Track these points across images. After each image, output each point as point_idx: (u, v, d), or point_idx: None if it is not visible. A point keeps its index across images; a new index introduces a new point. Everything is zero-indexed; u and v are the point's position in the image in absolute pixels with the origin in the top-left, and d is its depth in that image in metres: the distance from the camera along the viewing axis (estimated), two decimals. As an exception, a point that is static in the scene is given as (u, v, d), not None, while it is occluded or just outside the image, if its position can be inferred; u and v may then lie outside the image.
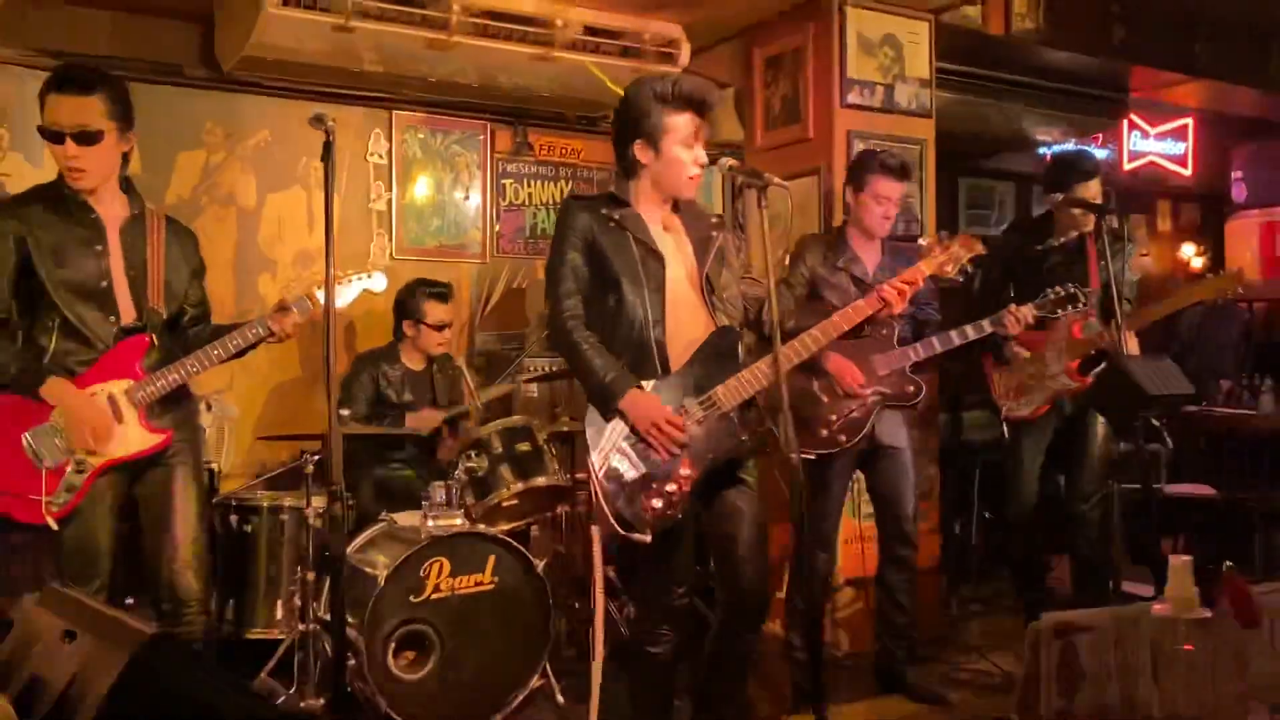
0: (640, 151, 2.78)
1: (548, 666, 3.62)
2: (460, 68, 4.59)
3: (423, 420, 4.34)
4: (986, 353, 4.30)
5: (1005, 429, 4.29)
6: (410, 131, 5.24)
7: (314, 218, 4.99)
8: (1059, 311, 3.58)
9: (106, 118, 2.77)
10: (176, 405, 2.93)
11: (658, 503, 2.67)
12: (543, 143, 5.56)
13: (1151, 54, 5.78)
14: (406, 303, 4.42)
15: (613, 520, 2.67)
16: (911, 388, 3.60)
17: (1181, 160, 7.78)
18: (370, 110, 5.11)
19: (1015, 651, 4.22)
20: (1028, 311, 3.56)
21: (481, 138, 5.42)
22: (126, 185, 2.92)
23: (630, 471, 2.69)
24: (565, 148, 5.65)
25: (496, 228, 5.47)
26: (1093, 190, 4.04)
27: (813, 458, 3.58)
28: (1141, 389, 3.13)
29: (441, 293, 4.44)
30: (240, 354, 2.95)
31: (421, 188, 5.27)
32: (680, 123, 2.73)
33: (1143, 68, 5.90)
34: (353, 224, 5.04)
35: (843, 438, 3.57)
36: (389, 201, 5.17)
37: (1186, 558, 1.36)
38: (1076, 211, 4.06)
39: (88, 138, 2.74)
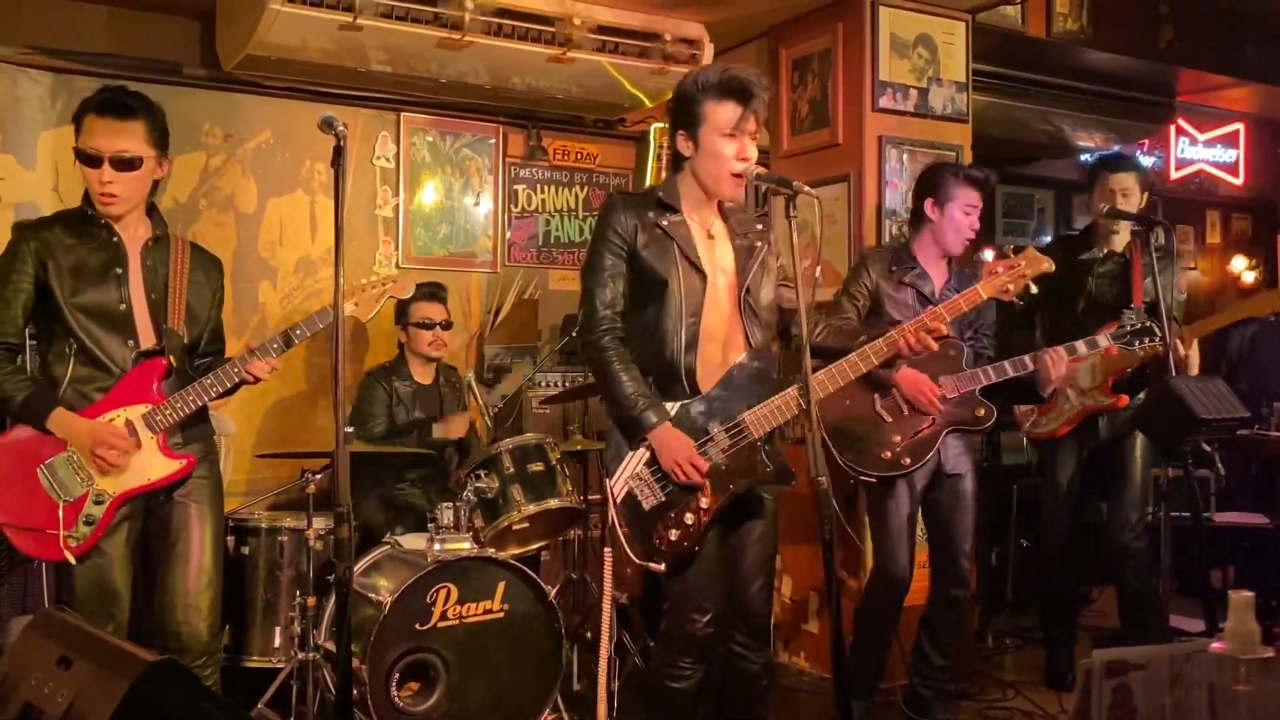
0: (682, 143, 2.81)
1: (559, 699, 3.62)
2: (472, 68, 4.62)
3: (451, 427, 4.39)
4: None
5: (1028, 449, 4.29)
6: (419, 134, 5.27)
7: (317, 223, 5.03)
8: (1135, 343, 3.52)
9: (146, 144, 2.84)
10: (196, 431, 2.96)
11: (674, 534, 2.70)
12: (557, 146, 5.59)
13: (1200, 56, 5.79)
14: (399, 306, 4.46)
15: (627, 548, 2.71)
16: (982, 411, 3.55)
17: (1232, 168, 7.76)
18: (377, 112, 5.15)
19: (1052, 687, 4.23)
20: (1062, 352, 3.52)
21: (493, 141, 5.45)
22: (150, 208, 2.97)
23: (649, 500, 2.72)
24: (580, 152, 5.67)
25: (508, 235, 5.50)
26: (1125, 183, 4.08)
27: (874, 480, 3.56)
28: (1191, 412, 3.12)
29: (432, 290, 4.48)
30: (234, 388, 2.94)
31: (430, 193, 5.30)
32: (719, 111, 2.72)
33: (1191, 70, 5.91)
34: (358, 231, 5.07)
35: (907, 460, 3.52)
36: (396, 207, 5.20)
37: (1248, 593, 1.35)
38: (1115, 199, 4.07)
39: (126, 164, 2.80)
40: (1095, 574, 4.71)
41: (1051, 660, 4.44)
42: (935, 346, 2.94)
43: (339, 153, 2.43)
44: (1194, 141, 7.58)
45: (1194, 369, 3.83)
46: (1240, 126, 7.64)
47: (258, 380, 2.91)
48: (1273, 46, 5.94)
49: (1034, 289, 3.05)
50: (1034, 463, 4.52)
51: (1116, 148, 7.05)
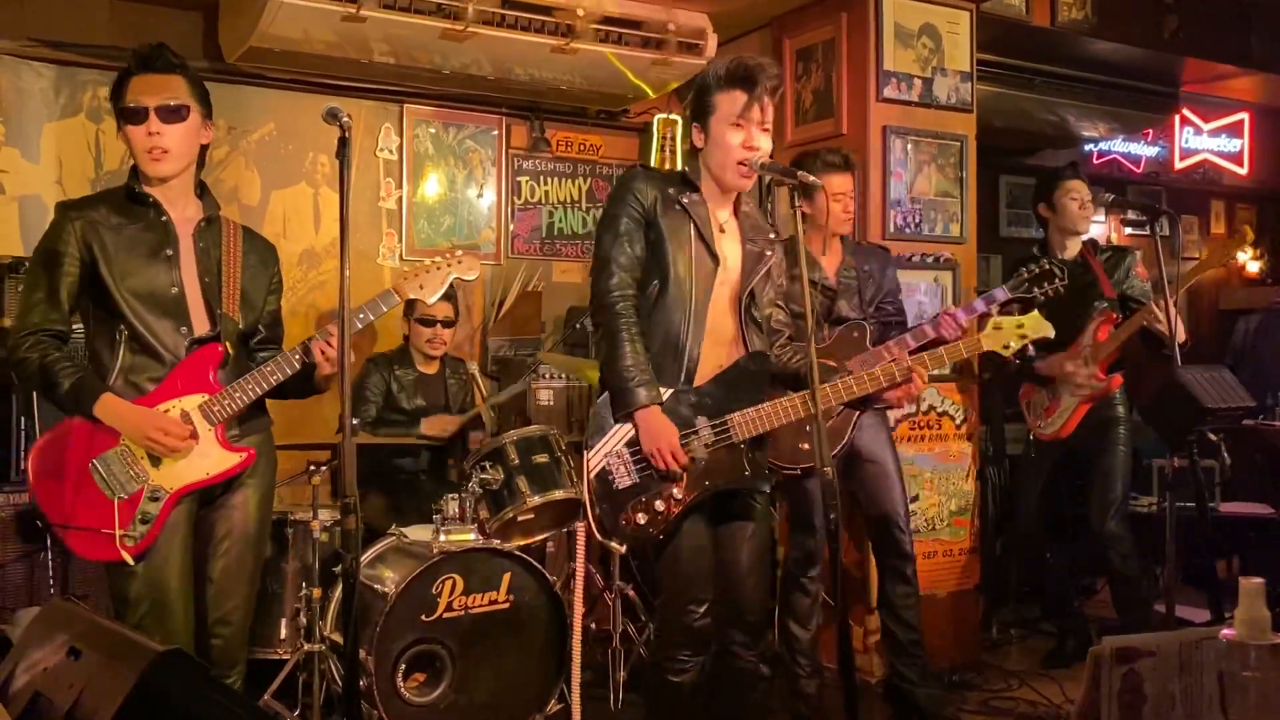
0: (695, 135, 2.80)
1: (565, 689, 3.63)
2: (475, 59, 4.62)
3: (436, 425, 4.36)
4: (1025, 384, 4.39)
5: (1032, 447, 4.38)
6: (422, 126, 5.27)
7: (320, 215, 5.03)
8: (1034, 290, 3.57)
9: (190, 96, 2.71)
10: (255, 422, 2.80)
11: (641, 517, 2.69)
12: (560, 138, 5.58)
13: (1205, 45, 5.77)
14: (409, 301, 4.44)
15: (592, 523, 2.72)
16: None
17: (1237, 158, 7.74)
18: (380, 103, 5.14)
19: (1055, 677, 4.25)
20: (960, 315, 3.60)
21: (496, 133, 5.44)
22: (201, 189, 2.82)
23: (623, 479, 2.71)
24: (584, 143, 5.67)
25: (511, 227, 5.50)
26: (1081, 190, 4.26)
27: (798, 474, 3.59)
28: (1198, 402, 3.12)
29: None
30: (300, 381, 2.76)
31: (433, 185, 5.30)
32: (727, 100, 2.71)
33: (1196, 60, 5.90)
34: (361, 223, 5.07)
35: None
36: (399, 199, 5.20)
37: (1258, 580, 1.36)
38: (1074, 205, 4.24)
39: (173, 113, 2.65)
40: (1092, 563, 4.74)
41: (1055, 646, 4.52)
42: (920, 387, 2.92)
43: (344, 144, 2.39)
44: (1199, 131, 7.56)
45: (1181, 334, 3.82)
46: (1245, 116, 7.62)
47: (328, 362, 2.70)
48: (1278, 35, 5.92)
49: (1032, 351, 3.06)
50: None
51: (1121, 139, 7.08)
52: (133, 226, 2.67)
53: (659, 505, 2.69)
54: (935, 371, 3.54)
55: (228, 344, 2.71)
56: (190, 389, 2.65)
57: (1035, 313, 3.06)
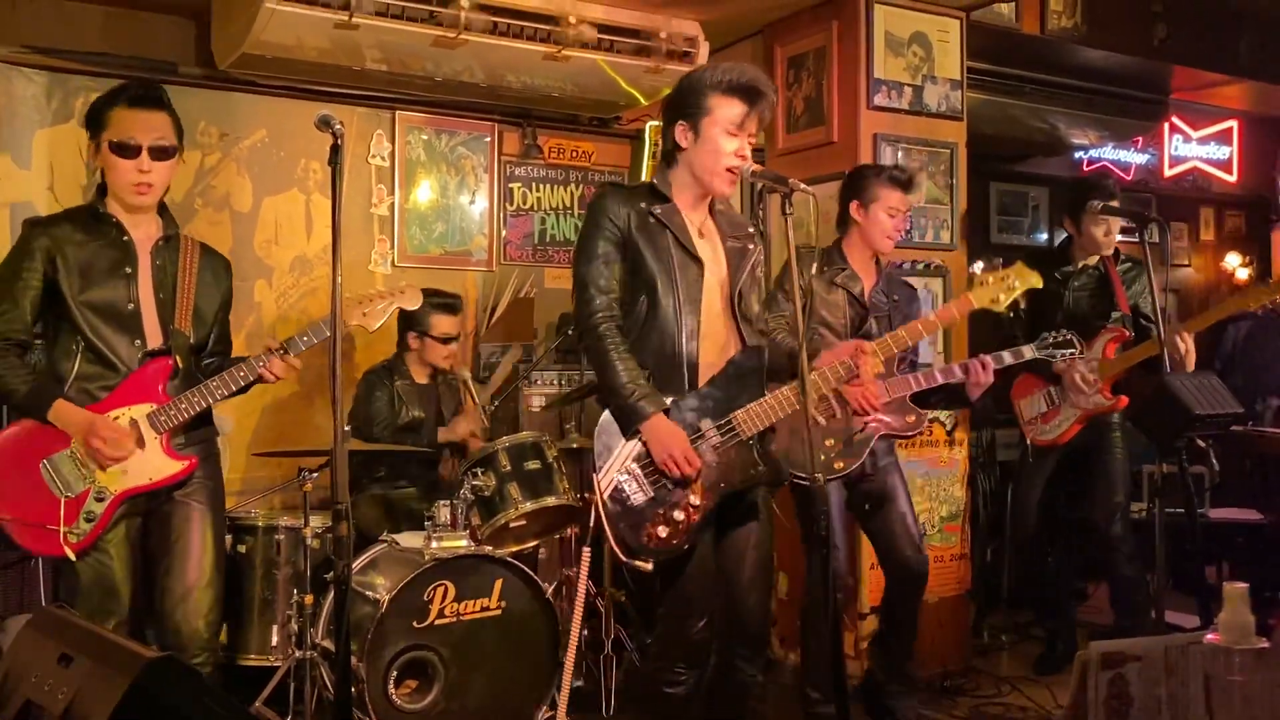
0: (680, 134, 2.78)
1: (557, 697, 3.63)
2: (467, 66, 4.62)
3: (455, 430, 4.40)
4: (1020, 378, 4.38)
5: (1030, 452, 4.37)
6: (414, 133, 5.28)
7: (313, 222, 5.03)
8: (1057, 355, 3.53)
9: (174, 135, 2.88)
10: (200, 432, 2.97)
11: (663, 530, 2.67)
12: (552, 145, 5.60)
13: (1194, 54, 5.81)
14: (413, 314, 4.43)
15: (615, 544, 2.68)
16: (912, 418, 3.57)
17: (1226, 165, 7.78)
18: (372, 110, 5.15)
19: (1045, 682, 4.27)
20: (990, 361, 3.46)
21: (488, 139, 5.45)
22: (161, 207, 2.98)
23: (637, 495, 2.69)
24: (576, 150, 5.68)
25: (503, 234, 5.50)
26: (1110, 222, 4.20)
27: (805, 483, 3.56)
28: (1187, 408, 3.14)
29: (450, 304, 4.47)
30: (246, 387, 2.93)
31: (425, 191, 5.31)
32: (725, 107, 2.71)
33: (1185, 68, 5.93)
34: (353, 229, 5.08)
35: (839, 464, 3.53)
36: (391, 206, 5.21)
37: (1242, 585, 1.37)
38: (1099, 231, 4.19)
39: (163, 153, 2.84)
40: (1086, 568, 4.75)
41: (1044, 651, 4.53)
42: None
43: (336, 151, 2.41)
44: (1188, 139, 7.60)
45: (1190, 365, 3.86)
46: (1234, 123, 7.66)
47: (277, 379, 2.89)
48: (1266, 43, 5.96)
49: (1022, 303, 3.06)
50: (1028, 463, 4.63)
51: (1111, 147, 7.11)
52: (95, 244, 2.84)
53: (678, 515, 2.67)
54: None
55: (178, 357, 2.87)
56: (140, 398, 2.82)
57: (1020, 263, 3.05)
